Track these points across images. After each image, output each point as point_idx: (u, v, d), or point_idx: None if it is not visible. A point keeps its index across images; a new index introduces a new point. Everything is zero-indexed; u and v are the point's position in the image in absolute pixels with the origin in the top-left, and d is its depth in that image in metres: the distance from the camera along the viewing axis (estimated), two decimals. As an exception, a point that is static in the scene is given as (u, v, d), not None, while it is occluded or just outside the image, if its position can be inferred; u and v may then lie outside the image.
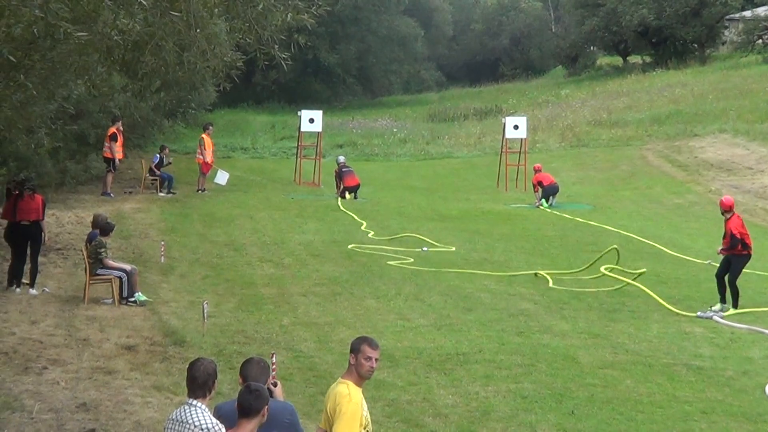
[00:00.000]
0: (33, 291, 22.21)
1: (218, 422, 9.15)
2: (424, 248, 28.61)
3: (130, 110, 35.40)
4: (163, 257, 25.42)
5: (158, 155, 37.47)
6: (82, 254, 22.27)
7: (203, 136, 37.76)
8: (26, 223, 22.45)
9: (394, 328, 19.97)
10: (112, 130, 34.84)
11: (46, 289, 22.36)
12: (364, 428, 9.48)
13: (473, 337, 19.41)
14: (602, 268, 25.35)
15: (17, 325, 19.57)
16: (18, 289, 22.21)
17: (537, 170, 39.50)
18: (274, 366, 14.20)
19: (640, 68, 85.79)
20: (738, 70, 72.26)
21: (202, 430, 9.07)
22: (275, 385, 9.80)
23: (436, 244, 29.30)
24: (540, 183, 38.84)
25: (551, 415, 15.29)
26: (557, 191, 38.92)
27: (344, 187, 38.97)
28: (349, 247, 28.15)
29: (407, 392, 16.26)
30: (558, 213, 36.51)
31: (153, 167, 36.92)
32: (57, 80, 15.99)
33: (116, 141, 34.90)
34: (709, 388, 16.87)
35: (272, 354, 15.08)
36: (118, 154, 35.38)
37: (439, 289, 23.42)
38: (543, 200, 38.37)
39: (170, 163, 37.69)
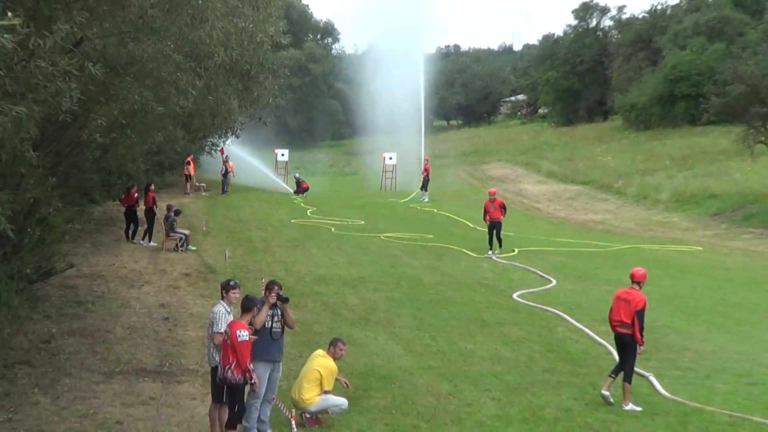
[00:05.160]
0: (152, 243, 22.13)
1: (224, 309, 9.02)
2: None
3: (186, 149, 34.81)
4: (204, 227, 25.23)
5: (223, 166, 36.12)
6: (162, 225, 22.18)
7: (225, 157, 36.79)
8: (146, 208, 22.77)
9: (326, 264, 20.10)
10: (188, 159, 34.48)
11: (153, 244, 22.20)
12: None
13: (368, 269, 19.60)
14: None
15: (128, 263, 19.51)
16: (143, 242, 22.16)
17: (428, 169, 38.26)
18: (263, 284, 14.33)
19: (456, 126, 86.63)
20: (508, 128, 73.52)
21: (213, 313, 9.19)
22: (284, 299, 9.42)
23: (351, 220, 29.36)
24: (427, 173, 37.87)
25: (408, 309, 15.69)
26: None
27: (302, 189, 38.79)
28: (292, 221, 27.75)
29: (332, 297, 16.51)
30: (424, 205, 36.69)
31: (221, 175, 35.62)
32: (147, 133, 15.93)
33: (190, 165, 34.54)
34: (491, 295, 17.35)
35: (262, 278, 15.22)
36: (192, 171, 35.06)
37: (350, 243, 23.45)
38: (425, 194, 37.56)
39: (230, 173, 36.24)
